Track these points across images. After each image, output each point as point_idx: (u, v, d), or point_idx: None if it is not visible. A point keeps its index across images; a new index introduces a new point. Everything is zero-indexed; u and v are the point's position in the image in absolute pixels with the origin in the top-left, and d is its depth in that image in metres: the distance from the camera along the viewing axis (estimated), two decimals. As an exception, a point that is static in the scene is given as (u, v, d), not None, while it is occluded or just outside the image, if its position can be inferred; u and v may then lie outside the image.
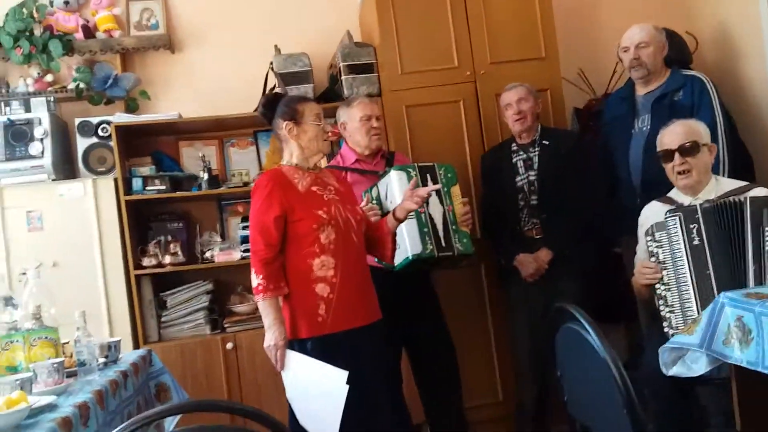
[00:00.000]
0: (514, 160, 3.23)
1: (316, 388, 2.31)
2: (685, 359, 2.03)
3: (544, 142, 3.19)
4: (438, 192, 2.76)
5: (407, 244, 2.69)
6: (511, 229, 3.18)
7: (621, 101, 3.24)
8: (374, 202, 2.76)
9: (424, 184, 2.75)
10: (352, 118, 3.00)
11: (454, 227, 2.78)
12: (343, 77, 3.50)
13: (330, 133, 2.54)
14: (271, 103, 2.52)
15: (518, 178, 3.20)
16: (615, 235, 3.20)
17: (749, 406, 2.03)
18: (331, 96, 3.61)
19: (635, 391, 1.51)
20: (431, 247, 2.70)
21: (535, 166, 3.17)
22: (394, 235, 2.56)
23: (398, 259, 2.72)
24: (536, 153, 3.19)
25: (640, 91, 3.18)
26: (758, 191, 2.46)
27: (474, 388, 3.30)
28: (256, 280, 2.35)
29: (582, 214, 3.10)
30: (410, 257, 2.69)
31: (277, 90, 3.53)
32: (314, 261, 2.34)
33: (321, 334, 2.33)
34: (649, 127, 3.04)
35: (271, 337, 2.34)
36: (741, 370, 1.87)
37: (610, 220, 3.11)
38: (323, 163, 3.37)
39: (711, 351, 1.92)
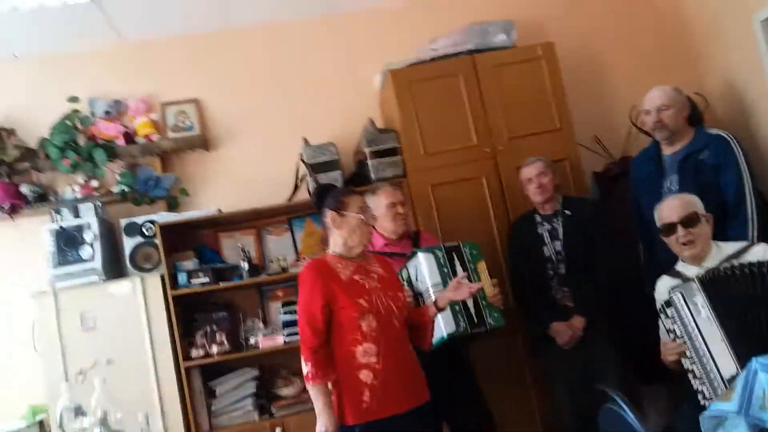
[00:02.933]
0: (539, 231, 3.35)
1: None
2: (726, 426, 2.08)
3: (566, 212, 3.32)
4: (465, 269, 2.88)
5: (441, 323, 2.78)
6: (542, 298, 3.28)
7: (648, 161, 3.32)
8: (405, 283, 2.88)
9: (451, 264, 2.89)
10: (379, 206, 3.15)
11: (484, 302, 2.87)
12: (369, 162, 3.68)
13: (372, 226, 2.65)
14: (321, 193, 2.67)
15: (545, 248, 3.31)
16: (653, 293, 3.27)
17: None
18: (358, 180, 3.79)
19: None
20: (464, 325, 2.79)
21: (560, 236, 3.28)
22: (432, 322, 2.65)
23: (434, 338, 2.82)
24: (560, 223, 3.31)
25: (666, 150, 3.26)
26: (757, 250, 2.55)
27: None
28: (305, 367, 2.45)
29: (608, 276, 3.19)
30: (445, 336, 2.78)
31: (307, 179, 3.73)
32: (357, 348, 2.45)
33: (366, 420, 2.41)
34: (678, 186, 3.11)
35: (322, 423, 2.43)
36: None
37: (649, 276, 3.18)
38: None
39: (749, 417, 1.98)
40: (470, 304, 2.85)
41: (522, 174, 3.40)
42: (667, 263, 2.90)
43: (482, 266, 2.95)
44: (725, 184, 3.06)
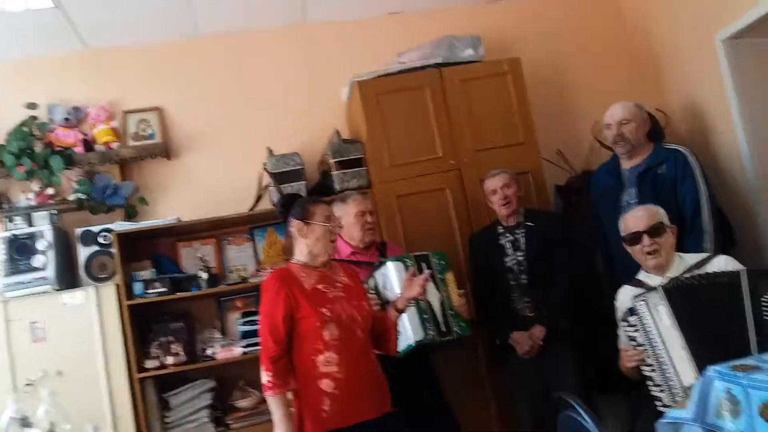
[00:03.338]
0: (501, 241, 3.35)
1: None
2: (682, 433, 2.08)
3: (528, 223, 3.33)
4: (434, 279, 2.88)
5: (409, 331, 2.77)
6: (503, 308, 3.27)
7: (608, 174, 3.37)
8: (372, 292, 2.86)
9: (420, 273, 2.86)
10: (348, 214, 3.13)
11: (451, 312, 2.88)
12: (333, 172, 3.65)
13: (338, 235, 2.64)
14: (287, 202, 2.65)
15: (507, 259, 3.31)
16: (613, 303, 3.28)
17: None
18: (323, 190, 3.75)
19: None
20: (432, 333, 2.79)
21: (522, 246, 3.29)
22: (395, 326, 2.64)
23: (401, 346, 2.80)
24: (522, 234, 3.31)
25: (625, 165, 3.31)
26: (718, 261, 2.60)
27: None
28: (265, 376, 2.41)
29: (569, 286, 3.20)
30: (413, 344, 2.77)
31: (271, 188, 3.69)
32: (318, 357, 2.42)
33: (326, 429, 2.38)
34: (636, 200, 3.15)
35: None
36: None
37: (607, 289, 3.20)
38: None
39: (705, 424, 1.98)
40: (438, 313, 2.86)
41: (486, 185, 3.40)
42: (626, 275, 2.92)
43: (450, 276, 2.97)
44: (682, 197, 3.10)
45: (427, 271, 2.71)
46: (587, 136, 3.98)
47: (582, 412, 1.71)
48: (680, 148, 3.24)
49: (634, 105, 3.33)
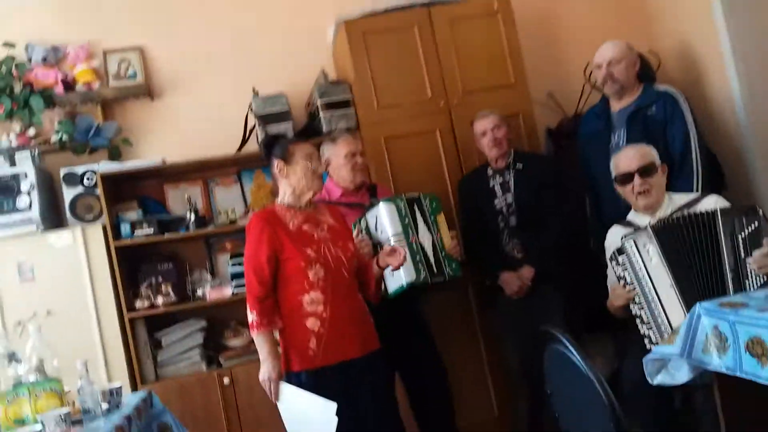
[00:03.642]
0: (491, 184, 3.34)
1: (309, 419, 2.41)
2: (669, 368, 2.13)
3: (518, 165, 3.32)
4: (426, 220, 2.90)
5: (401, 271, 2.77)
6: (493, 250, 3.30)
7: (596, 117, 3.35)
8: (364, 232, 2.86)
9: (412, 215, 2.88)
10: (337, 155, 3.10)
11: (443, 253, 2.89)
12: (321, 114, 3.60)
13: (320, 173, 2.62)
14: (269, 143, 2.63)
15: (496, 201, 3.31)
16: (600, 246, 3.32)
17: (733, 408, 2.13)
18: (310, 132, 3.71)
19: (621, 400, 1.61)
20: (424, 273, 2.81)
21: (512, 188, 3.29)
22: (378, 279, 2.68)
23: (393, 287, 2.83)
24: (511, 176, 3.31)
25: (615, 106, 3.29)
26: (708, 201, 2.61)
27: (470, 406, 3.39)
28: (250, 316, 2.46)
29: (560, 229, 3.23)
30: (404, 285, 2.78)
31: (256, 130, 3.64)
32: (304, 297, 2.45)
33: (312, 367, 2.43)
34: (624, 141, 3.14)
35: (266, 370, 2.45)
36: (722, 375, 1.97)
37: (595, 232, 3.22)
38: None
39: (692, 359, 2.02)
40: (430, 254, 2.87)
41: (476, 127, 3.37)
42: (613, 218, 2.94)
43: (441, 218, 2.97)
44: (672, 138, 3.10)
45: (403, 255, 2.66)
46: (579, 78, 3.94)
47: (569, 345, 1.74)
48: (670, 90, 3.22)
49: (625, 45, 3.29)
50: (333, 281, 2.48)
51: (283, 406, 2.48)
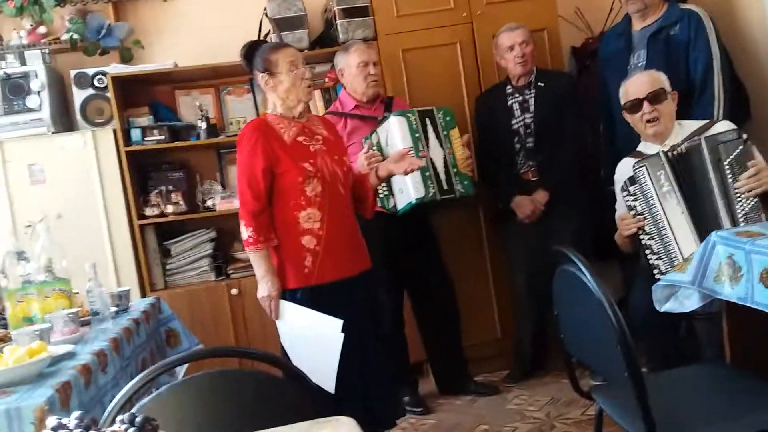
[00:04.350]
0: (509, 102, 3.24)
1: (312, 336, 2.35)
2: (678, 296, 2.10)
3: (539, 84, 3.20)
4: (438, 135, 2.81)
5: (410, 188, 2.73)
6: (507, 172, 3.23)
7: (617, 37, 3.20)
8: (375, 148, 2.78)
9: (424, 129, 2.80)
10: (350, 65, 3.00)
11: (455, 170, 2.83)
12: (338, 21, 3.46)
13: (310, 79, 2.45)
14: (249, 53, 2.45)
15: (514, 121, 3.22)
16: (611, 173, 3.25)
17: (739, 338, 2.12)
18: (326, 41, 3.59)
19: (627, 326, 1.58)
20: (434, 190, 2.75)
21: (531, 108, 3.18)
22: (375, 191, 2.57)
23: (401, 203, 2.78)
24: (532, 95, 3.20)
25: (637, 26, 3.13)
26: (720, 126, 2.50)
27: (473, 327, 3.40)
28: (245, 232, 2.36)
29: (577, 155, 3.15)
30: (413, 201, 2.74)
31: (271, 36, 3.52)
32: (300, 213, 2.35)
33: (308, 284, 2.36)
34: (645, 62, 3.00)
35: (264, 288, 2.38)
36: (731, 305, 1.95)
37: (607, 158, 3.15)
38: (321, 110, 3.40)
39: (702, 288, 1.98)
40: (441, 170, 2.79)
41: (502, 40, 3.21)
42: (627, 142, 2.85)
43: (455, 133, 2.87)
44: (694, 61, 2.96)
45: (419, 163, 2.51)
46: (609, -6, 3.76)
47: (582, 266, 1.70)
48: (695, 9, 3.05)
49: None
50: (329, 197, 2.37)
51: (283, 325, 2.41)
